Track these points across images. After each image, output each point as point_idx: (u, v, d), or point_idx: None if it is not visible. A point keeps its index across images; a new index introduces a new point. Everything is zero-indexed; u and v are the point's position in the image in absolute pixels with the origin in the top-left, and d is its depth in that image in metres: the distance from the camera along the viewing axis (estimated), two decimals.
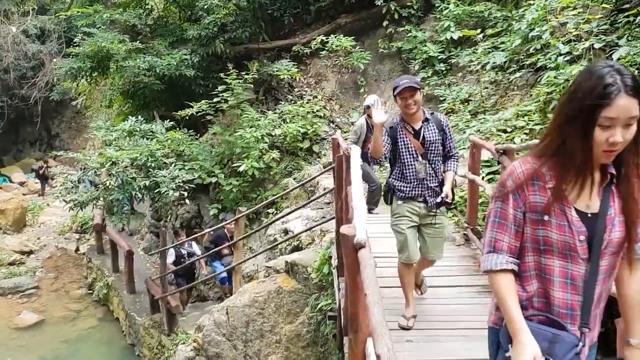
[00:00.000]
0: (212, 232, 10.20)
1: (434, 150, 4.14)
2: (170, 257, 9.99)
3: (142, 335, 10.27)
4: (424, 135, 4.11)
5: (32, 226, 17.97)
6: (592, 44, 6.86)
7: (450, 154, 4.27)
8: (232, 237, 9.52)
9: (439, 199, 4.10)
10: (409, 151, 4.13)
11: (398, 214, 4.22)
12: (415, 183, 4.13)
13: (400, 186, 4.18)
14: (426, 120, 4.17)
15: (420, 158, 4.12)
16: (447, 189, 4.11)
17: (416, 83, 3.98)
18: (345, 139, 8.66)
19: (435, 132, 4.14)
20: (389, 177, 4.32)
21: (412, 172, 4.13)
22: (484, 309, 4.58)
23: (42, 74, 23.28)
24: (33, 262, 14.98)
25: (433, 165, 4.15)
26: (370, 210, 7.58)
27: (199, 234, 10.51)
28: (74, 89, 18.18)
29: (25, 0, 16.32)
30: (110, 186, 10.41)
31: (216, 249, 9.72)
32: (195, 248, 10.58)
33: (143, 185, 10.29)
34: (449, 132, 4.24)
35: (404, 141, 4.12)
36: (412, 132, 4.12)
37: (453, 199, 4.19)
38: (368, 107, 7.37)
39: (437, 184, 4.18)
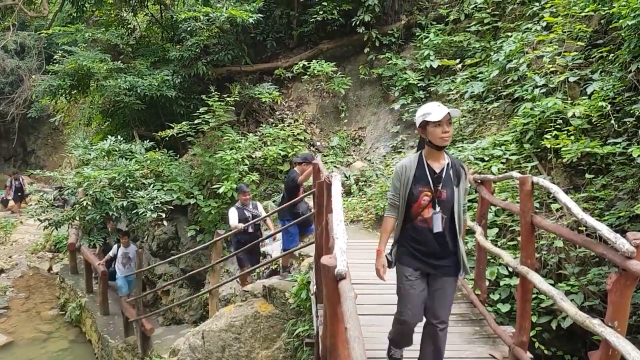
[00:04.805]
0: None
1: None
2: (233, 217, 8.41)
3: (115, 358, 10.08)
4: None
5: (4, 244, 17.57)
6: (567, 78, 7.07)
7: None
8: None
9: None
10: None
11: None
12: None
13: None
14: None
15: None
16: None
17: None
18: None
19: None
20: None
21: None
22: (460, 338, 4.63)
23: (20, 90, 22.98)
24: (4, 282, 14.62)
25: None
26: None
27: (273, 211, 8.59)
28: (52, 106, 17.99)
29: (6, 16, 16.15)
30: (86, 205, 10.28)
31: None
32: (261, 210, 8.92)
33: (120, 205, 10.18)
34: None
35: None
36: None
37: None
38: (425, 125, 3.65)
39: None
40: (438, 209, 3.63)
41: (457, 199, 3.67)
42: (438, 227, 3.62)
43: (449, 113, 3.54)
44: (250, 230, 8.45)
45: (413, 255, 3.70)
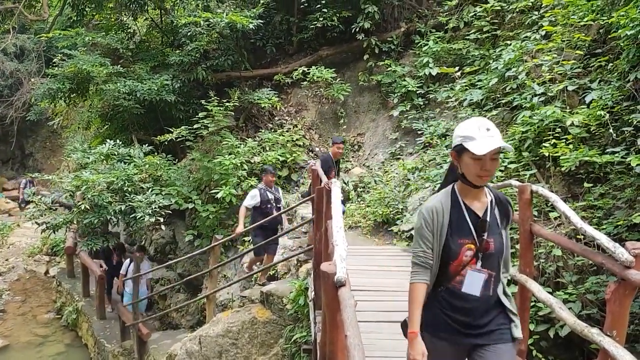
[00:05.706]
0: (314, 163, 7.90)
1: None
2: (254, 199, 8.23)
3: None
4: None
5: (1, 247, 17.54)
6: (566, 86, 7.08)
7: None
8: (338, 161, 8.67)
9: None
10: None
11: None
12: None
13: None
14: None
15: None
16: None
17: None
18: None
19: None
20: None
21: None
22: None
23: (19, 93, 22.97)
24: (0, 285, 14.59)
25: None
26: None
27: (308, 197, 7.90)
28: (51, 109, 17.99)
29: (6, 19, 16.18)
30: (84, 209, 10.25)
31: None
32: (282, 194, 8.87)
33: (118, 209, 10.16)
34: None
35: None
36: None
37: None
38: (461, 150, 2.61)
39: None
40: (479, 264, 2.61)
41: (506, 248, 2.69)
42: (477, 289, 2.59)
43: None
44: (274, 212, 8.18)
45: (448, 325, 2.63)
